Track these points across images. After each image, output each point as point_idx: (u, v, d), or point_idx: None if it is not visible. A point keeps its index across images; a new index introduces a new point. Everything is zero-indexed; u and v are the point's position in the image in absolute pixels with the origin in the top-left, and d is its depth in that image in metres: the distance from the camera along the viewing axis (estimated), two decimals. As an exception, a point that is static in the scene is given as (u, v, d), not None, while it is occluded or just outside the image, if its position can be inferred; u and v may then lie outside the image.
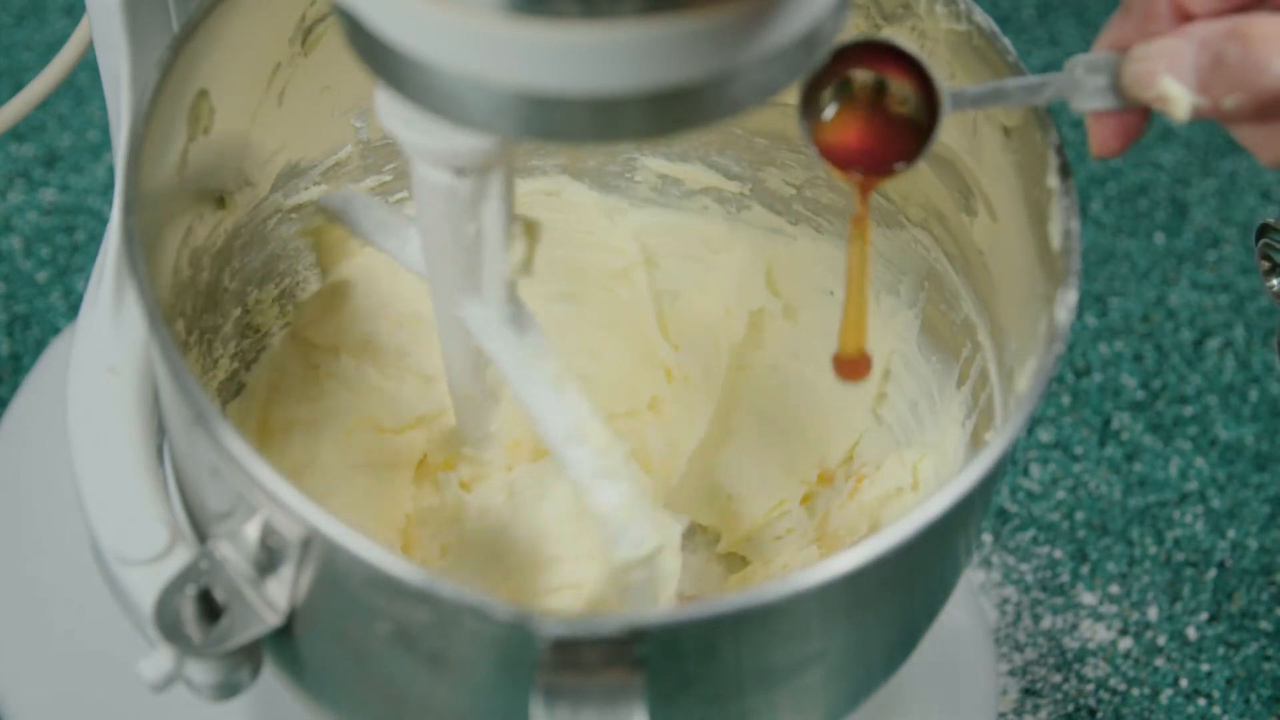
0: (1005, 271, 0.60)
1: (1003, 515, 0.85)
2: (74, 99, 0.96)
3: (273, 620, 0.51)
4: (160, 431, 0.59)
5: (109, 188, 0.92)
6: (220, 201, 0.62)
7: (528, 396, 0.55)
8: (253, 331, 0.67)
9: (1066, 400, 0.89)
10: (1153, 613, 0.82)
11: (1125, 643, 0.81)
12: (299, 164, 0.66)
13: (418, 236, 0.57)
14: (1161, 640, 0.82)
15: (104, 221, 0.91)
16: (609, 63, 0.43)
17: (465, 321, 0.56)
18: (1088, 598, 0.83)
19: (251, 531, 0.50)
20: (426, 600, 0.47)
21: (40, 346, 0.86)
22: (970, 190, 0.61)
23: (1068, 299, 0.53)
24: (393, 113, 0.51)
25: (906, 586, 0.54)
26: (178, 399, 0.52)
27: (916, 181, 0.64)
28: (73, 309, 0.87)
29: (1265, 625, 0.82)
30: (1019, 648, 0.81)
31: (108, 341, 0.59)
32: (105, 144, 0.94)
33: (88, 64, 0.93)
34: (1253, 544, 0.85)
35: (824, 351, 0.71)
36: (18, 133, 0.95)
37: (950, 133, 0.60)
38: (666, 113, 0.45)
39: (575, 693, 0.48)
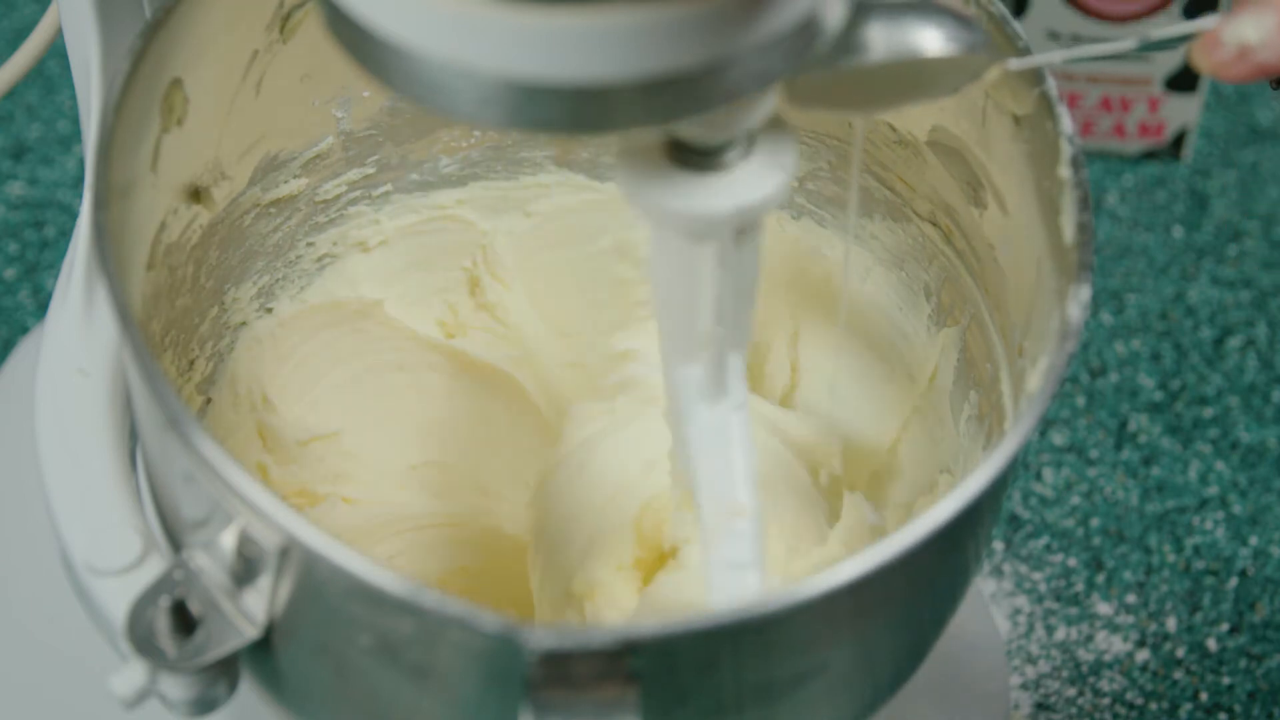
0: (1016, 266, 0.60)
1: (1014, 522, 0.85)
2: (43, 88, 0.96)
3: (250, 633, 0.51)
4: (133, 436, 0.59)
5: (80, 181, 0.92)
6: (196, 196, 0.62)
7: (696, 465, 0.55)
8: (230, 330, 0.67)
9: (1081, 401, 0.89)
10: (1171, 623, 0.82)
11: (1142, 655, 0.81)
12: (278, 156, 0.66)
13: None
14: (1180, 652, 0.82)
15: (75, 216, 0.91)
16: (600, 49, 0.43)
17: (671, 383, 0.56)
18: (1103, 608, 0.83)
19: (228, 540, 0.50)
20: (409, 611, 0.47)
21: (8, 347, 0.86)
22: (979, 182, 0.61)
23: (1081, 294, 0.53)
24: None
25: (913, 595, 0.54)
26: (151, 403, 0.52)
27: (924, 173, 0.64)
28: (42, 308, 0.87)
29: (1289, 636, 0.82)
30: (1031, 660, 0.81)
31: (77, 342, 0.59)
32: (76, 135, 0.94)
33: (57, 51, 0.93)
34: (1276, 551, 0.84)
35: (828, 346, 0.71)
36: (-16, 124, 0.95)
37: (959, 122, 0.60)
38: (660, 101, 0.45)
39: (566, 707, 0.48)
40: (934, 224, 0.65)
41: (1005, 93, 0.58)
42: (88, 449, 0.57)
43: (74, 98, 0.93)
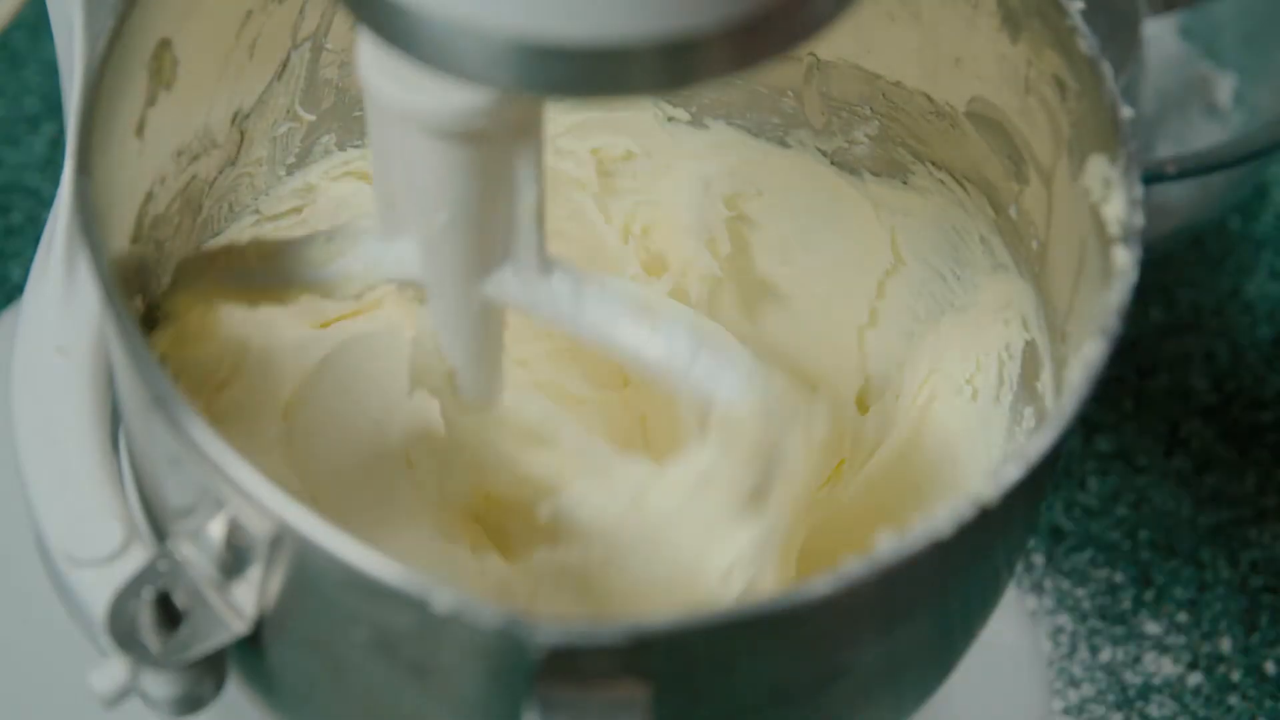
0: (1059, 247, 0.60)
1: (1056, 534, 0.85)
2: (8, 63, 0.96)
3: (239, 628, 0.51)
4: (115, 418, 0.59)
5: (49, 163, 0.92)
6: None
7: (610, 337, 0.56)
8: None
9: (1129, 404, 0.89)
10: (1226, 644, 0.83)
11: (1195, 678, 0.82)
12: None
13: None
14: (1236, 675, 0.82)
15: (43, 201, 0.91)
16: (618, 5, 0.44)
17: (496, 295, 0.56)
18: (1152, 627, 0.83)
19: (216, 529, 0.51)
20: (408, 603, 0.48)
21: (-26, 337, 0.87)
22: (1021, 156, 0.62)
23: (1127, 276, 0.54)
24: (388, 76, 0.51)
25: (940, 597, 0.55)
26: (135, 382, 0.52)
27: (962, 146, 0.65)
28: (8, 297, 0.88)
29: (1352, 658, 0.82)
30: (1075, 683, 0.82)
31: (57, 319, 0.60)
32: (44, 114, 0.94)
33: (23, 22, 0.93)
34: (1339, 567, 0.85)
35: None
36: (-57, 103, 0.95)
37: (1000, 91, 0.61)
38: (680, 63, 0.46)
39: (574, 707, 0.48)
40: (971, 198, 0.66)
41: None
42: (67, 431, 0.57)
43: (41, 74, 0.94)
